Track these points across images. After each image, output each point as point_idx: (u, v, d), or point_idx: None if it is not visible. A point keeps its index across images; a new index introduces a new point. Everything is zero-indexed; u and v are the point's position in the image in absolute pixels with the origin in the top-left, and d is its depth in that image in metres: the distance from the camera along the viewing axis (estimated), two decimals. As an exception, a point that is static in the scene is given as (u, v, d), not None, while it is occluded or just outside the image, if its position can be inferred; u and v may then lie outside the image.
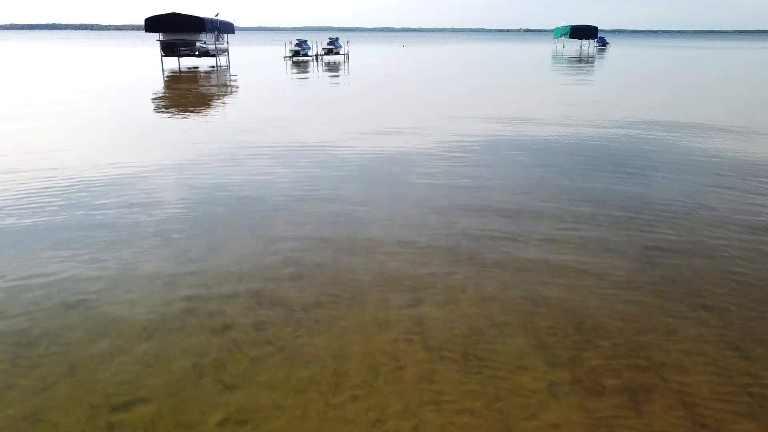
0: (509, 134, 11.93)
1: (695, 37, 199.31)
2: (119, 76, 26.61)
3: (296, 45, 42.67)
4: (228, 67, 33.30)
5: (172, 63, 34.15)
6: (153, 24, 30.44)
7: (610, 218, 6.56)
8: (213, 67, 32.79)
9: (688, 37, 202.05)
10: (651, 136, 11.79)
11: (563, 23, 72.06)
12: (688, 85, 24.26)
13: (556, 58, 49.47)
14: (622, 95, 19.74)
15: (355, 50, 60.54)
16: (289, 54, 42.31)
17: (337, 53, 45.55)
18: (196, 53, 31.53)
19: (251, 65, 36.80)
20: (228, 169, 8.78)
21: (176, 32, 30.72)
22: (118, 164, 8.99)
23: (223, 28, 34.52)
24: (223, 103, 17.10)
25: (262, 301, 4.50)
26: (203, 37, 31.85)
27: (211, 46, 32.88)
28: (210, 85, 22.54)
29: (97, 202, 6.99)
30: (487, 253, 5.46)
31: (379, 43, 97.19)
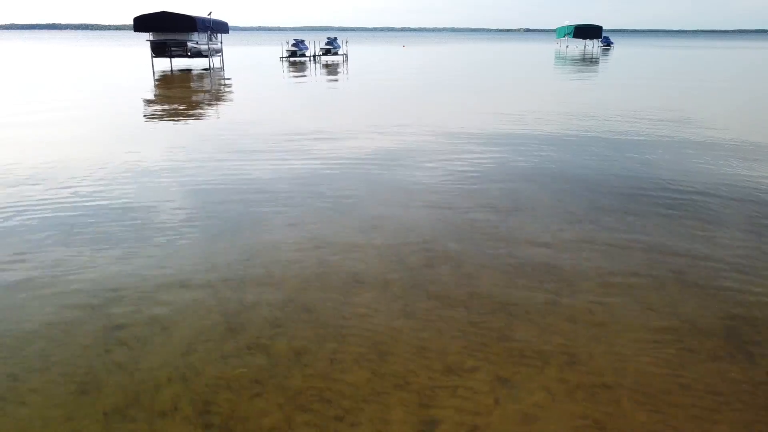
0: (529, 151, 10.58)
1: (695, 37, 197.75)
2: (109, 79, 25.24)
3: (293, 45, 41.23)
4: (221, 68, 31.92)
5: (163, 64, 32.78)
6: (142, 23, 29.03)
7: (668, 267, 5.20)
8: (206, 68, 31.42)
9: (688, 37, 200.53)
10: (690, 152, 10.42)
11: (567, 22, 70.68)
12: (710, 88, 22.87)
13: (561, 58, 48.12)
14: (644, 100, 18.36)
15: (354, 50, 59.16)
16: (285, 54, 40.92)
17: (336, 53, 44.12)
18: (188, 54, 30.13)
19: (246, 67, 35.43)
20: (196, 200, 7.42)
21: (166, 32, 29.31)
22: (70, 191, 7.63)
23: (216, 27, 33.11)
24: (209, 112, 15.74)
25: (209, 422, 3.15)
26: (195, 36, 30.45)
27: (204, 47, 31.49)
28: (200, 91, 21.18)
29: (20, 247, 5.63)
30: (522, 332, 4.11)
31: (380, 43, 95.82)
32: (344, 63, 38.24)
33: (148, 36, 29.90)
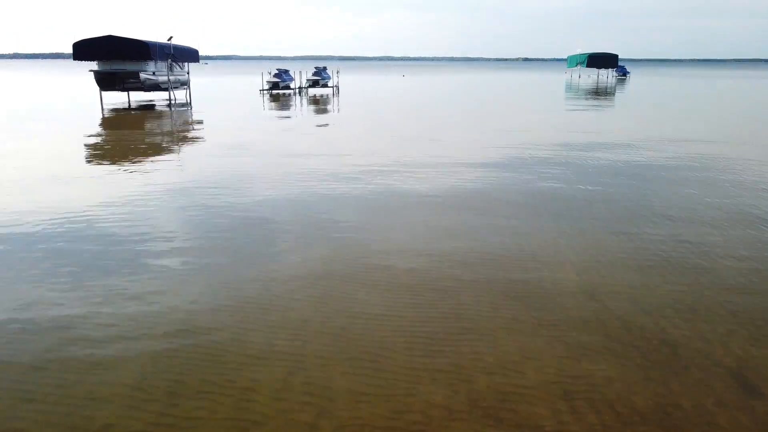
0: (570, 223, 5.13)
1: (695, 66, 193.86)
2: (45, 119, 20.03)
3: (275, 76, 35.84)
4: (187, 103, 26.75)
5: (117, 97, 27.66)
6: (83, 50, 23.78)
7: None
8: (168, 102, 26.28)
9: (686, 66, 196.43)
10: None
11: (579, 51, 66.12)
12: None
13: (574, 89, 43.18)
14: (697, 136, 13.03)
15: (350, 81, 54.37)
16: (266, 87, 35.52)
17: (325, 85, 38.84)
18: (142, 87, 24.89)
19: (221, 100, 30.39)
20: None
21: (113, 60, 24.09)
22: None
23: (181, 55, 27.90)
24: (150, 169, 10.40)
25: None
26: (150, 66, 25.22)
27: (163, 78, 26.27)
28: (151, 134, 15.87)
29: None
30: None
31: (378, 72, 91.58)
32: (335, 96, 33.19)
33: (93, 65, 24.77)
